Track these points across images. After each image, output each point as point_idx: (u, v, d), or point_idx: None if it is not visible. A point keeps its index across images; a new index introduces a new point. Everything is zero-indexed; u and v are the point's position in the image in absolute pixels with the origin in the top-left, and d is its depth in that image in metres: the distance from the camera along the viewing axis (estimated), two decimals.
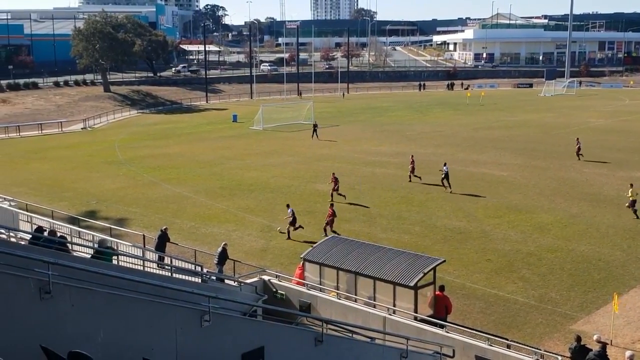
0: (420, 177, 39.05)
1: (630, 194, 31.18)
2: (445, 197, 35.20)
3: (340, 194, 34.87)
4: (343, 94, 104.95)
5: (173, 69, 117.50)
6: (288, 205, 29.25)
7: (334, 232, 28.64)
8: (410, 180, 38.94)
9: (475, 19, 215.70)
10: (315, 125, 59.58)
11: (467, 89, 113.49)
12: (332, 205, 30.58)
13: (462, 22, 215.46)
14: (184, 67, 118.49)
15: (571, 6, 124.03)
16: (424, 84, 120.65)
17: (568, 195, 35.48)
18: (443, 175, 37.05)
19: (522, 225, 29.82)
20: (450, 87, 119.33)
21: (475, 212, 32.41)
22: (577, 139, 47.76)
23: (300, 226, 28.83)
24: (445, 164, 37.97)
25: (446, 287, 19.79)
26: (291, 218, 28.58)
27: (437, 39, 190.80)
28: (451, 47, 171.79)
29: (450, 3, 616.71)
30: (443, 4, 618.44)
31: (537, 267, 24.63)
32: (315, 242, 22.89)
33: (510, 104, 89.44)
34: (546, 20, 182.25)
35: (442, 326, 17.54)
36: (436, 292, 19.37)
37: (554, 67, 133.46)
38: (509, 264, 24.95)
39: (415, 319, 18.21)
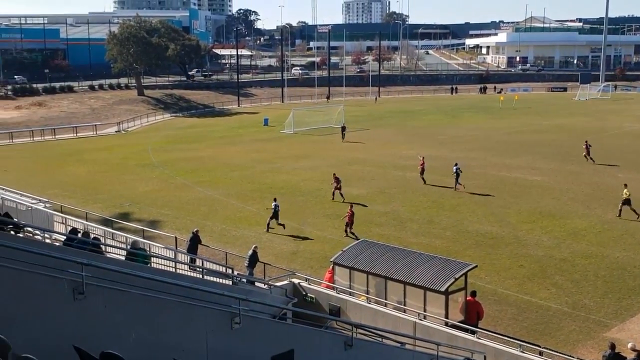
0: (424, 180, 39.40)
1: (624, 194, 31.56)
2: (477, 202, 34.87)
3: (341, 194, 35.37)
4: (375, 98, 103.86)
5: (195, 71, 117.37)
6: (275, 199, 30.65)
7: (353, 233, 28.88)
8: (425, 183, 39.10)
9: (508, 23, 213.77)
10: (343, 128, 60.51)
11: (500, 92, 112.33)
12: (351, 205, 30.48)
13: (495, 26, 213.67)
14: (197, 71, 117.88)
15: (606, 9, 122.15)
16: (456, 88, 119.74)
17: (602, 201, 34.86)
18: (455, 175, 37.70)
19: (556, 231, 29.39)
20: (483, 90, 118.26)
21: (507, 217, 32.04)
22: (586, 141, 47.55)
23: (282, 224, 29.86)
24: (456, 164, 38.48)
25: (478, 293, 19.59)
26: (272, 212, 29.96)
27: (470, 42, 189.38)
28: (484, 50, 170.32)
29: (483, 6, 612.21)
30: (476, 7, 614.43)
31: (571, 273, 24.25)
32: (345, 246, 22.85)
33: (544, 107, 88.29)
34: (581, 24, 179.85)
35: (473, 332, 17.35)
36: (467, 298, 19.18)
37: (588, 71, 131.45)
38: (542, 270, 24.60)
39: (446, 324, 18.04)
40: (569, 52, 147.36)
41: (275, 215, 30.02)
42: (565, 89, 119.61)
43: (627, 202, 31.30)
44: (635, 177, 40.89)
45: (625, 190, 31.64)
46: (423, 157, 40.92)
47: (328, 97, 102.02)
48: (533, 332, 19.65)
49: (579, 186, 38.50)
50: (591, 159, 45.41)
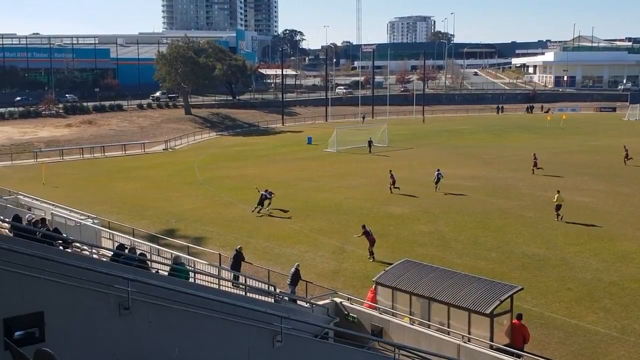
0: (399, 188, 42.15)
1: (555, 199, 35.15)
2: (523, 223, 34.27)
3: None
4: (423, 119, 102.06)
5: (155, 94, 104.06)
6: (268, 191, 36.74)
7: (371, 253, 28.41)
8: (391, 192, 42.01)
9: (555, 42, 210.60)
10: (370, 142, 64.02)
11: (547, 112, 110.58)
12: (364, 226, 29.27)
13: (542, 45, 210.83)
14: (163, 93, 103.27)
15: None
16: (502, 107, 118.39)
17: None
18: (435, 179, 42.58)
19: (604, 254, 28.65)
20: (530, 110, 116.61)
21: (555, 238, 31.38)
22: (625, 146, 53.04)
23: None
24: (438, 169, 43.47)
25: (524, 316, 19.20)
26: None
27: (516, 61, 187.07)
28: (531, 69, 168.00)
29: (530, 26, 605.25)
30: (522, 26, 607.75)
31: (620, 297, 23.57)
32: (388, 265, 22.68)
33: (592, 128, 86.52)
34: (630, 43, 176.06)
35: (519, 356, 16.98)
36: (513, 321, 18.80)
37: (638, 91, 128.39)
38: (590, 294, 23.98)
39: (491, 347, 17.70)
40: (619, 72, 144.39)
41: (261, 202, 36.77)
42: (614, 109, 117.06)
43: (558, 207, 34.80)
44: None
45: (556, 196, 35.15)
46: (391, 170, 43.64)
47: (364, 117, 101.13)
48: (580, 357, 19.13)
49: (629, 208, 37.49)
50: (630, 158, 51.50)
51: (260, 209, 37.25)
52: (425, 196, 41.54)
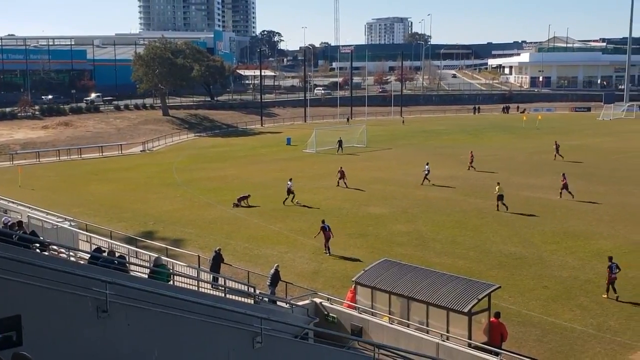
0: (346, 184, 44.36)
1: (496, 190, 37.47)
2: (500, 222, 34.58)
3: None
4: (403, 120, 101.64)
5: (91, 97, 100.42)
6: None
7: (327, 248, 29.25)
8: (338, 185, 44.52)
9: (531, 43, 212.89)
10: (340, 142, 64.87)
11: (523, 112, 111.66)
12: (323, 221, 30.09)
13: (518, 46, 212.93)
14: (97, 96, 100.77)
15: (630, 29, 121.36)
16: (479, 107, 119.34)
17: (628, 222, 34.35)
18: (426, 173, 45.06)
19: (581, 252, 29.00)
20: (506, 110, 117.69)
21: (531, 237, 31.70)
22: (556, 141, 57.73)
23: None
24: (427, 164, 45.93)
25: (501, 314, 19.36)
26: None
27: (492, 62, 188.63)
28: (507, 70, 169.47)
29: (506, 27, 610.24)
30: (498, 27, 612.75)
31: (596, 294, 23.88)
32: (366, 265, 22.74)
33: (567, 127, 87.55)
34: (604, 44, 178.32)
35: (497, 354, 17.13)
36: (491, 319, 18.96)
37: (612, 91, 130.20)
38: (567, 291, 24.27)
39: (470, 345, 17.83)
40: (593, 72, 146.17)
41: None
42: (589, 109, 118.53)
43: (500, 197, 37.08)
44: None
45: (497, 187, 37.59)
46: (341, 167, 45.85)
47: (348, 119, 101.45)
48: (557, 354, 19.34)
49: (604, 206, 37.98)
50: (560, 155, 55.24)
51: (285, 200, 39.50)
52: (403, 196, 41.74)
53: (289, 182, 40.25)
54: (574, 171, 50.23)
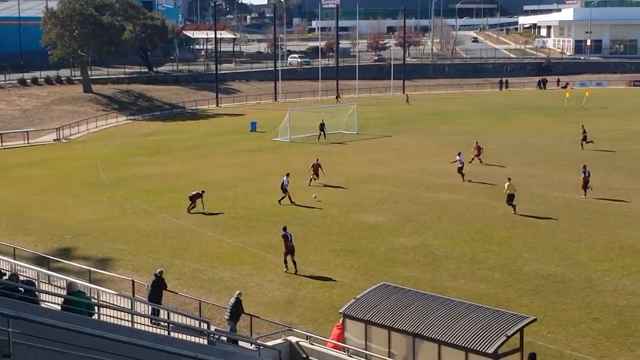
0: (315, 178, 46.11)
1: (506, 188, 38.78)
2: (536, 233, 34.81)
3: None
4: (407, 99, 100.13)
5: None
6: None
7: (286, 262, 30.09)
8: (309, 185, 45.29)
9: None
10: (322, 125, 65.48)
11: (565, 87, 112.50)
12: (284, 228, 31.01)
13: None
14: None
15: None
16: (507, 81, 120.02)
17: None
18: (460, 165, 46.51)
19: None
20: (542, 85, 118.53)
21: (576, 253, 31.94)
22: (583, 126, 59.07)
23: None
24: (459, 153, 47.13)
25: (538, 356, 19.47)
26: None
27: (525, 21, 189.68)
28: (543, 31, 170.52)
29: None
30: None
31: None
32: (359, 291, 22.77)
33: (624, 107, 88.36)
34: None
35: None
36: None
37: None
38: (624, 325, 24.48)
39: None
40: None
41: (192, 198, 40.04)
42: None
43: (510, 197, 38.34)
44: None
45: (506, 185, 38.79)
46: (317, 159, 47.25)
47: (338, 96, 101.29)
48: None
49: None
50: (591, 142, 57.00)
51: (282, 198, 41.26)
52: (407, 200, 41.85)
53: (284, 179, 41.49)
54: (631, 165, 50.68)
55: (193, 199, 39.93)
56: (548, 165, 51.23)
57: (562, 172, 48.75)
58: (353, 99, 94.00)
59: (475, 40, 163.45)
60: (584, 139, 57.66)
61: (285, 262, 30.20)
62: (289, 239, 30.24)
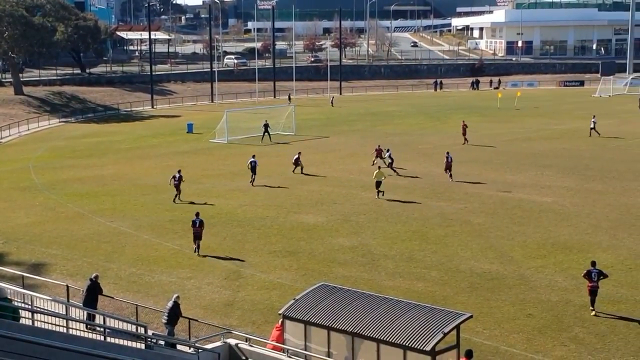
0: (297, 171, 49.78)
1: (374, 176, 42.49)
2: (471, 231, 35.23)
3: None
4: (332, 101, 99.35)
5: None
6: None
7: (198, 247, 32.49)
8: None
9: None
10: (266, 126, 65.96)
11: (497, 88, 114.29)
12: (197, 214, 33.30)
13: (490, 1, 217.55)
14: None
15: None
16: (441, 82, 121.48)
17: (634, 228, 35.56)
18: (389, 161, 49.11)
19: (574, 269, 29.81)
20: (476, 85, 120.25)
21: (510, 251, 32.42)
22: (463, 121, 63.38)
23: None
24: (388, 149, 50.66)
25: (475, 352, 19.69)
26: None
27: (458, 22, 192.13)
28: (476, 33, 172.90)
29: None
30: None
31: (595, 324, 24.59)
32: (298, 292, 22.76)
33: (555, 107, 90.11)
34: None
35: None
36: (461, 359, 19.27)
37: (612, 59, 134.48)
38: (557, 320, 24.90)
39: None
40: (587, 35, 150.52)
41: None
42: (582, 83, 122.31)
43: (377, 184, 42.17)
44: None
45: (375, 172, 42.81)
46: (254, 154, 48.42)
47: (290, 97, 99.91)
48: None
49: (603, 209, 39.21)
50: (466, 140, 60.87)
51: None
52: (345, 200, 41.99)
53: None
54: (561, 164, 51.71)
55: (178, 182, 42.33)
56: (482, 165, 51.89)
57: (495, 171, 49.43)
58: (302, 99, 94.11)
59: (415, 45, 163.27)
60: (464, 132, 61.78)
61: (196, 248, 32.52)
62: (196, 224, 32.50)
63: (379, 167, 44.34)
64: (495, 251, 32.35)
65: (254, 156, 47.21)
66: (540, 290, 27.63)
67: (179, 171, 42.94)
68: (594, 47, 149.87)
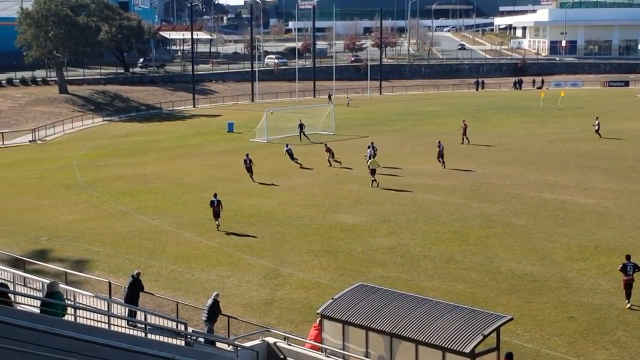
0: (340, 162, 52.12)
1: (368, 164, 46.02)
2: (512, 233, 34.98)
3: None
4: (347, 102, 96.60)
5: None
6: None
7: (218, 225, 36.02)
8: (330, 165, 51.56)
9: None
10: (300, 125, 66.27)
11: (540, 88, 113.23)
12: (215, 195, 36.81)
13: (534, 0, 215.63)
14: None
15: None
16: (483, 82, 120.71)
17: None
18: (369, 155, 49.24)
19: (617, 271, 29.40)
20: (518, 85, 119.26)
21: (552, 253, 32.13)
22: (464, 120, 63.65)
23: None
24: (372, 143, 51.82)
25: (515, 355, 19.56)
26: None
27: (500, 22, 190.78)
28: (519, 32, 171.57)
29: None
30: None
31: (637, 327, 24.30)
32: (336, 292, 22.77)
33: (599, 108, 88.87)
34: None
35: None
36: None
37: None
38: (599, 324, 24.65)
39: None
40: (632, 34, 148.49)
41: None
42: (627, 83, 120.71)
43: (372, 172, 45.11)
44: None
45: (369, 161, 46.18)
46: (248, 154, 49.44)
47: (330, 97, 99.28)
48: None
49: None
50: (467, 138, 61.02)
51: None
52: (384, 200, 41.91)
53: (369, 148, 50.53)
54: (605, 165, 51.08)
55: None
56: (524, 165, 51.48)
57: (538, 172, 49.01)
58: (341, 99, 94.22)
59: (463, 47, 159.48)
60: (465, 132, 61.81)
61: (218, 225, 36.03)
62: (214, 204, 36.17)
63: (374, 155, 48.28)
64: (537, 253, 32.09)
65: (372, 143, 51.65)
66: (583, 293, 27.37)
67: (247, 155, 48.27)
68: None
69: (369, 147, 51.12)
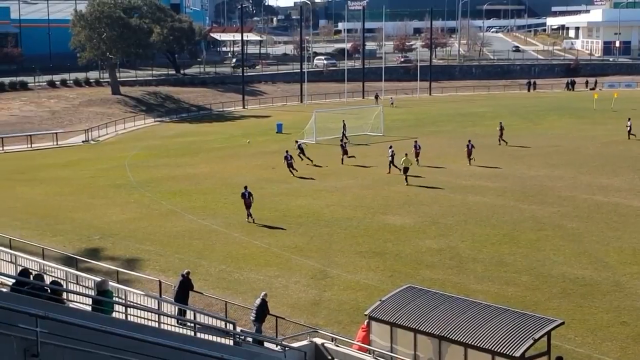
0: (354, 157, 53.41)
1: (402, 162, 46.31)
2: (564, 236, 34.56)
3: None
4: (392, 102, 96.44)
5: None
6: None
7: (249, 215, 37.86)
8: (343, 163, 52.89)
9: None
10: (343, 126, 66.22)
11: (593, 89, 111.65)
12: (245, 187, 38.44)
13: (587, 0, 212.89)
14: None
15: None
16: (535, 83, 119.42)
17: None
18: (390, 159, 49.39)
19: None
20: (571, 86, 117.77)
21: (605, 256, 31.68)
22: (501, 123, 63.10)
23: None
24: (390, 146, 51.13)
25: (565, 359, 19.33)
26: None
27: (553, 22, 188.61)
28: (572, 33, 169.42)
29: None
30: None
31: None
32: (384, 294, 22.72)
33: None
34: None
35: None
36: None
37: None
38: None
39: None
40: None
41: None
42: None
43: (405, 170, 46.08)
44: None
45: (403, 159, 46.50)
46: (288, 151, 51.08)
47: (377, 97, 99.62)
48: None
49: None
50: (504, 140, 60.78)
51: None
52: (433, 201, 41.71)
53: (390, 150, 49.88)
54: None
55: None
56: (577, 168, 50.83)
57: (590, 175, 48.36)
58: (380, 100, 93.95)
59: (517, 49, 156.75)
60: (501, 135, 61.51)
61: (248, 215, 37.61)
62: (246, 196, 37.63)
63: (406, 154, 47.36)
64: (589, 256, 31.66)
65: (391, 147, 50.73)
66: (636, 297, 26.95)
67: (287, 151, 50.20)
68: None
69: (390, 147, 50.91)
